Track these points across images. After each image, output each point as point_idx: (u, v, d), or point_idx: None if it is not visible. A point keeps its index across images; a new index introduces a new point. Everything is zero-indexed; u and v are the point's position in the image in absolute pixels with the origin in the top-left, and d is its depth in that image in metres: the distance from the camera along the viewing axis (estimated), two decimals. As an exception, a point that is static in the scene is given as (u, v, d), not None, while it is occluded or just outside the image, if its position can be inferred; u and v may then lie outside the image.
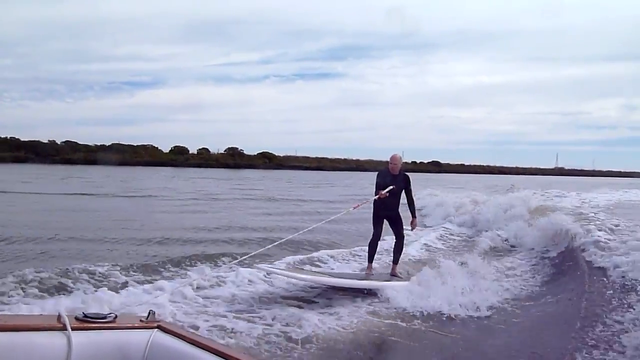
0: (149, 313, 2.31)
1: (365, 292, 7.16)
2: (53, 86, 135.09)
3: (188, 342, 2.12)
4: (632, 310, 5.66)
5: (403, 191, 7.88)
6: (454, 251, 11.40)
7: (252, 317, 5.87)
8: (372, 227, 8.13)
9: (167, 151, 76.62)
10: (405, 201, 7.99)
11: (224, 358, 2.00)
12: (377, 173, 8.19)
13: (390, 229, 8.11)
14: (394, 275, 7.91)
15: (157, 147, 76.12)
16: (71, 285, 6.77)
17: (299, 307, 6.42)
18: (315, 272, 8.05)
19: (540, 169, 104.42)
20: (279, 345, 5.11)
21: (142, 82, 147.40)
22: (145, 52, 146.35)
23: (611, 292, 6.58)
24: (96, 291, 6.29)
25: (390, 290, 7.04)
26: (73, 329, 2.01)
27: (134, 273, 7.67)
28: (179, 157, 73.97)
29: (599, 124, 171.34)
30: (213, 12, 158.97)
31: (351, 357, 5.10)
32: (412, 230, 8.44)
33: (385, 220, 8.01)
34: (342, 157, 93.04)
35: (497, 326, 6.15)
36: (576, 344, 4.98)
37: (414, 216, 8.09)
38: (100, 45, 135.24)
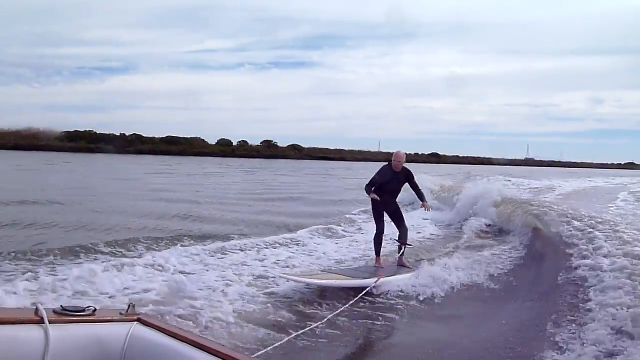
0: (129, 306, 2.29)
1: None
2: (19, 70, 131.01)
3: (169, 335, 2.11)
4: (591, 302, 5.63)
5: (406, 184, 8.38)
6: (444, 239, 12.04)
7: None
8: (375, 222, 8.57)
9: (214, 143, 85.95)
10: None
11: (204, 351, 1.99)
12: (380, 169, 8.57)
13: (392, 222, 8.56)
14: (401, 266, 8.30)
15: (205, 140, 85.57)
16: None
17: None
18: (329, 272, 7.96)
19: (511, 159, 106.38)
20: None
21: (114, 67, 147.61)
22: (116, 37, 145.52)
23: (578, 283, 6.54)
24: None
25: (400, 282, 7.46)
26: (51, 322, 1.99)
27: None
28: (226, 149, 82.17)
29: (567, 117, 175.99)
30: None
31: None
32: (426, 211, 8.94)
33: (387, 212, 8.46)
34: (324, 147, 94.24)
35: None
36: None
37: (424, 200, 8.51)
38: (69, 29, 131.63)
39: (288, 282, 7.05)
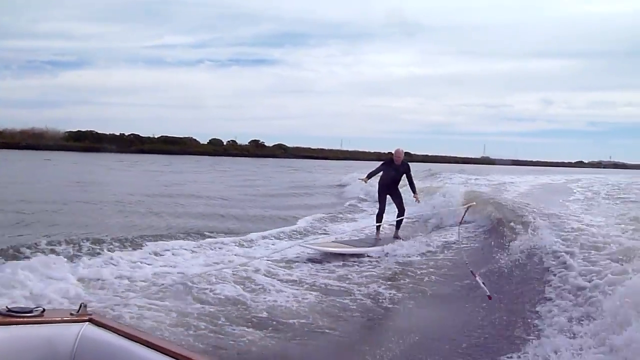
0: (80, 306, 2.25)
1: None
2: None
3: (121, 335, 2.08)
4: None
5: (404, 176, 10.83)
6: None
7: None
8: (378, 203, 11.03)
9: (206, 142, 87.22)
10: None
11: (158, 351, 1.96)
12: (382, 162, 11.03)
13: (393, 202, 11.02)
14: (396, 238, 10.72)
15: (196, 140, 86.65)
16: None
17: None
18: (339, 242, 9.92)
19: (469, 157, 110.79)
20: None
21: (66, 61, 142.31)
22: (69, 29, 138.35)
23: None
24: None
25: (397, 249, 9.85)
26: None
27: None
28: (218, 148, 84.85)
29: (520, 117, 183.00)
30: None
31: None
32: (417, 202, 11.33)
33: (389, 196, 10.91)
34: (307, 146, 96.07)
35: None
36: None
37: (415, 192, 11.00)
38: (17, 20, 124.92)
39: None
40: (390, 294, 7.08)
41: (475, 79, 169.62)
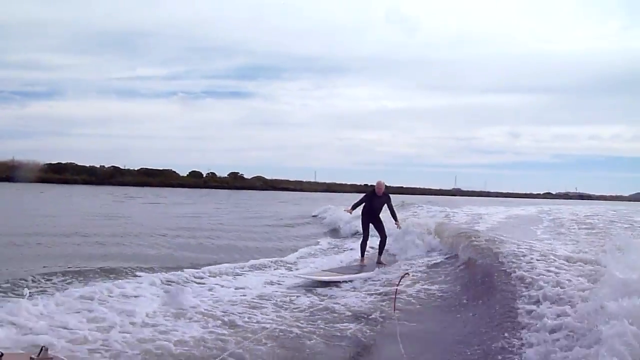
0: (41, 349, 2.18)
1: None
2: None
3: None
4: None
5: (385, 205, 11.83)
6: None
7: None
8: (362, 231, 12.00)
9: (185, 174, 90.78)
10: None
11: None
12: (364, 194, 12.03)
13: (376, 230, 11.98)
14: (379, 263, 11.61)
15: (175, 172, 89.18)
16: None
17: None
18: (329, 271, 10.63)
19: (441, 189, 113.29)
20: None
21: (36, 92, 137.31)
22: (40, 60, 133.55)
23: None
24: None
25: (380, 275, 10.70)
26: None
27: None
28: (198, 180, 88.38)
29: (489, 149, 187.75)
30: (117, 22, 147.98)
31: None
32: (398, 228, 12.38)
33: (371, 225, 11.89)
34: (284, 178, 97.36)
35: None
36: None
37: (396, 220, 11.97)
38: None
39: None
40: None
41: (444, 112, 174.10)
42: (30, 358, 2.13)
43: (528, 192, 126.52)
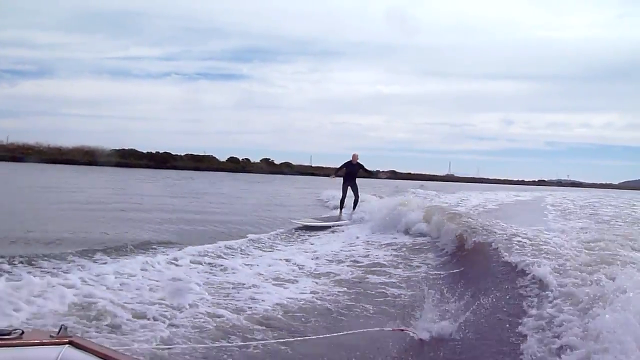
0: (61, 328, 2.21)
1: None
2: None
3: (102, 357, 2.07)
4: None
5: (360, 170, 15.62)
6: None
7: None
8: (341, 191, 15.76)
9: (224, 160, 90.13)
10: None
11: None
12: (345, 162, 15.72)
13: (352, 191, 15.72)
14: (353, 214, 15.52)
15: (215, 157, 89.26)
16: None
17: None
18: (316, 219, 15.33)
19: (434, 175, 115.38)
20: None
21: (26, 70, 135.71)
22: (30, 38, 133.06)
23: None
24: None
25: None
26: None
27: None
28: (237, 165, 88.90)
29: (483, 136, 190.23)
30: (111, 1, 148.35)
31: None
32: (384, 178, 16.87)
33: (349, 187, 15.62)
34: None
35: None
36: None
37: (377, 175, 16.44)
38: None
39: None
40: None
41: (439, 98, 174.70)
42: (50, 336, 2.16)
43: (521, 179, 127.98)
